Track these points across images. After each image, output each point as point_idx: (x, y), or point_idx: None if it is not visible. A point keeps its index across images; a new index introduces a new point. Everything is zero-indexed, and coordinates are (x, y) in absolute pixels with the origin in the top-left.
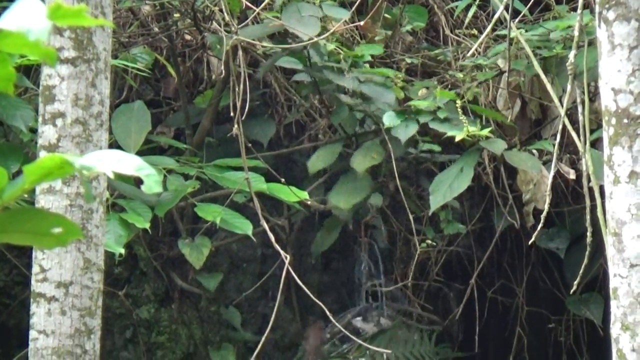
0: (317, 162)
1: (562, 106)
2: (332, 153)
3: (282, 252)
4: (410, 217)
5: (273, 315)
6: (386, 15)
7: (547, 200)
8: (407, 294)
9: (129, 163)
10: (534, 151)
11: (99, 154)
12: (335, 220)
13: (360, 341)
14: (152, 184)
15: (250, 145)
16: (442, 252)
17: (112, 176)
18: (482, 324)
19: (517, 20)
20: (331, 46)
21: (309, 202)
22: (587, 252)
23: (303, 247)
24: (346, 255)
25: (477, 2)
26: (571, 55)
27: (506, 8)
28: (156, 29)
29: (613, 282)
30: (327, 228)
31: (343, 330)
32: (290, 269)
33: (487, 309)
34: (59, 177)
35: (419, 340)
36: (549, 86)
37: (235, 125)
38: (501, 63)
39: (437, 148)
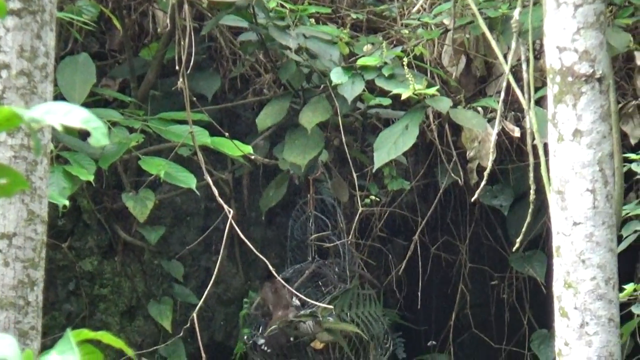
0: (265, 118)
1: (507, 64)
2: (280, 109)
3: (225, 206)
4: (354, 173)
5: (216, 269)
6: None
7: (491, 158)
8: (351, 250)
9: (77, 115)
10: (479, 109)
11: (47, 106)
12: (284, 176)
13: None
14: (99, 136)
15: (194, 98)
16: (386, 207)
17: (60, 128)
18: (425, 280)
19: None
20: (274, 2)
21: (252, 157)
22: (530, 210)
23: (247, 202)
24: (290, 211)
25: None
26: (516, 12)
27: None
28: None
29: (556, 240)
30: (276, 183)
31: (295, 292)
32: (233, 223)
33: (430, 265)
34: (7, 129)
35: (373, 301)
36: (493, 43)
37: (180, 79)
38: (446, 20)
39: (385, 101)
